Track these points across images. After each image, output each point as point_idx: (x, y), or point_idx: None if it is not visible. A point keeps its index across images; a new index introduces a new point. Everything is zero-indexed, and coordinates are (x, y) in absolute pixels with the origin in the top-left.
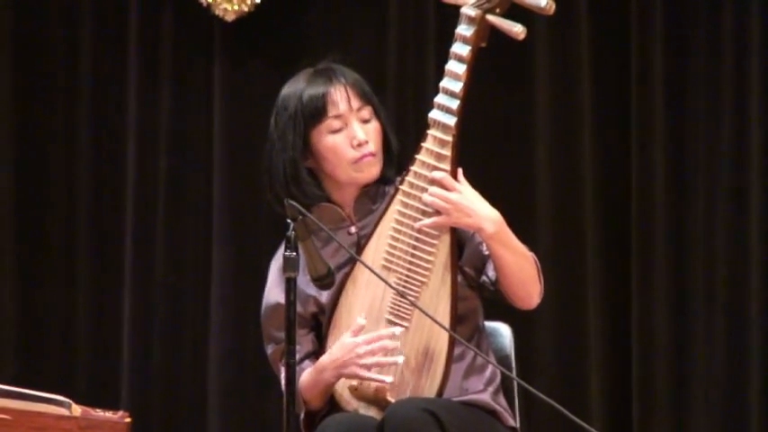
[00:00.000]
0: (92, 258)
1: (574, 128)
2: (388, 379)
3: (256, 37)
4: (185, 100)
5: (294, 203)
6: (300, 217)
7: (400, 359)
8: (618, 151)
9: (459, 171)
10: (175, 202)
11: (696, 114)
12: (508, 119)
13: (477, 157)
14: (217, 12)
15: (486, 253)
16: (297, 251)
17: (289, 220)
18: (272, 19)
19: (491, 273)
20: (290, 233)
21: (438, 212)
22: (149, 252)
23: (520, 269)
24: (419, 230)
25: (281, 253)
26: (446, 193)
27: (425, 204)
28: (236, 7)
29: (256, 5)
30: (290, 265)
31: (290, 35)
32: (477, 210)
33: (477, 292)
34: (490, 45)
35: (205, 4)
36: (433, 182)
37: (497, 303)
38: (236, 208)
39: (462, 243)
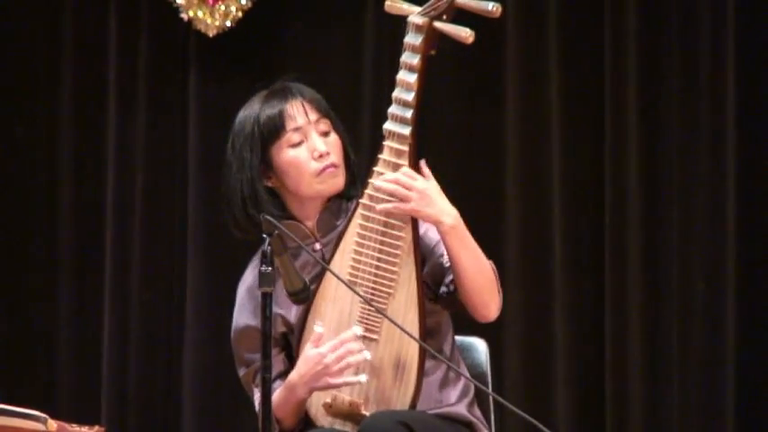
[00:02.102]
0: (73, 275)
1: (543, 138)
2: (363, 378)
3: (232, 54)
4: (161, 117)
5: (270, 218)
6: (276, 232)
7: (368, 355)
8: (590, 162)
9: (422, 162)
10: (151, 219)
11: (670, 123)
12: (477, 129)
13: (444, 168)
14: (199, 27)
15: (447, 265)
16: (273, 266)
17: (265, 236)
18: (250, 36)
19: (450, 282)
20: (267, 248)
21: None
22: (127, 269)
23: (477, 272)
24: (383, 236)
25: (247, 275)
26: (411, 182)
27: (388, 193)
28: (217, 23)
29: (238, 21)
30: (265, 281)
31: (267, 52)
32: (438, 203)
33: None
34: (460, 55)
35: (186, 19)
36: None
37: (469, 318)
38: (211, 224)
39: (424, 258)
